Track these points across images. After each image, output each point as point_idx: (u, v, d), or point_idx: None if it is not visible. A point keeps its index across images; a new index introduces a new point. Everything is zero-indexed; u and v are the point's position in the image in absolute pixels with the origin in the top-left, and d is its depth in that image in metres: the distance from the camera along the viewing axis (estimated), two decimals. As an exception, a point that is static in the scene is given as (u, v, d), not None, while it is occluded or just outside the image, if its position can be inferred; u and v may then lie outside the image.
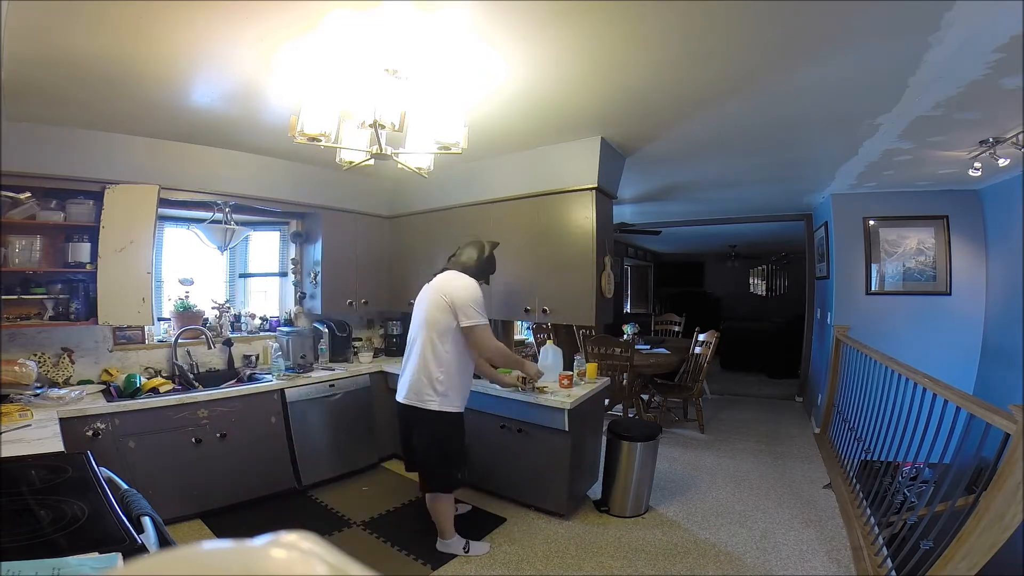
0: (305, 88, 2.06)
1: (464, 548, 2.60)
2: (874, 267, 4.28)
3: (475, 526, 2.83)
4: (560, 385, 3.00)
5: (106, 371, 2.97)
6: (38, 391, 2.52)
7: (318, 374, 3.44)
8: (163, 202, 2.94)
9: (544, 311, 3.23)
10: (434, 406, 2.43)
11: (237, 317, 3.74)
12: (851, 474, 3.26)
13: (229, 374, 3.39)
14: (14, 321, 2.61)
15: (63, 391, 2.55)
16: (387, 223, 4.28)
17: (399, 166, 2.05)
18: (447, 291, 2.48)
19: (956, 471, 1.95)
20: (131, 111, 2.47)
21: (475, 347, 2.50)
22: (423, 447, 2.50)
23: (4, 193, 2.27)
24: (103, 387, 2.84)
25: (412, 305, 2.73)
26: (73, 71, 2.00)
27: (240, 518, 2.89)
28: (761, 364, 7.71)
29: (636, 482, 3.02)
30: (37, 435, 1.98)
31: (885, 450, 2.67)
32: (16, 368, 2.46)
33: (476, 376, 3.18)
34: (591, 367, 3.21)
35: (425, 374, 2.44)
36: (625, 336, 5.37)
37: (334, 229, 3.83)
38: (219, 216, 3.36)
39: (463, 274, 2.56)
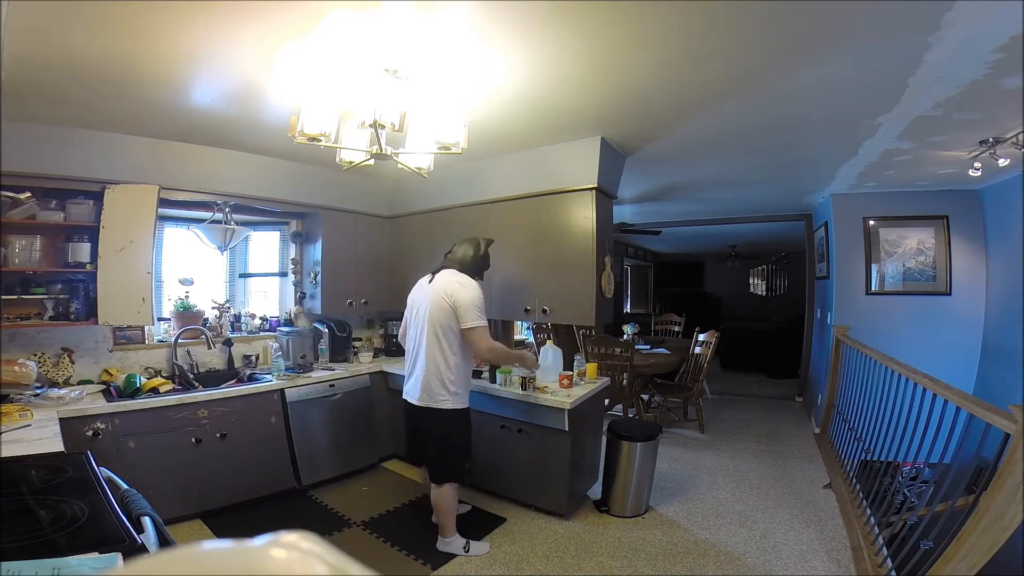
0: (305, 88, 2.06)
1: (464, 548, 2.60)
2: (874, 267, 4.28)
3: (475, 526, 2.83)
4: (560, 385, 3.00)
5: (106, 371, 2.97)
6: (38, 391, 2.52)
7: (318, 374, 3.44)
8: (163, 202, 2.94)
9: (544, 311, 3.22)
10: (447, 405, 2.50)
11: (237, 317, 3.74)
12: (851, 474, 3.26)
13: (229, 374, 3.39)
14: (14, 321, 2.61)
15: (63, 391, 2.55)
16: (387, 223, 4.28)
17: (399, 166, 2.05)
18: (449, 292, 2.50)
19: (956, 471, 1.95)
20: (131, 111, 2.47)
21: (471, 347, 2.54)
22: (435, 443, 2.55)
23: (4, 193, 2.27)
24: (103, 387, 2.84)
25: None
26: (73, 71, 2.00)
27: (240, 518, 2.89)
28: (761, 364, 7.71)
29: (636, 482, 3.02)
30: (37, 435, 1.98)
31: (885, 450, 2.67)
32: (16, 368, 2.46)
33: (477, 374, 3.20)
34: (591, 367, 3.21)
35: (436, 376, 2.49)
36: (625, 336, 5.37)
37: (334, 229, 3.83)
38: (219, 216, 3.36)
39: (462, 273, 2.59)
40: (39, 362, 2.67)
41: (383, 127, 1.66)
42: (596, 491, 3.24)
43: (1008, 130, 2.56)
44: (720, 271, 11.21)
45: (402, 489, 3.36)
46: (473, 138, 2.38)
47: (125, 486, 1.51)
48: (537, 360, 3.02)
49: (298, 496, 3.21)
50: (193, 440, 2.79)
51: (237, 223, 3.45)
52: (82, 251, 2.73)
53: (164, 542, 1.24)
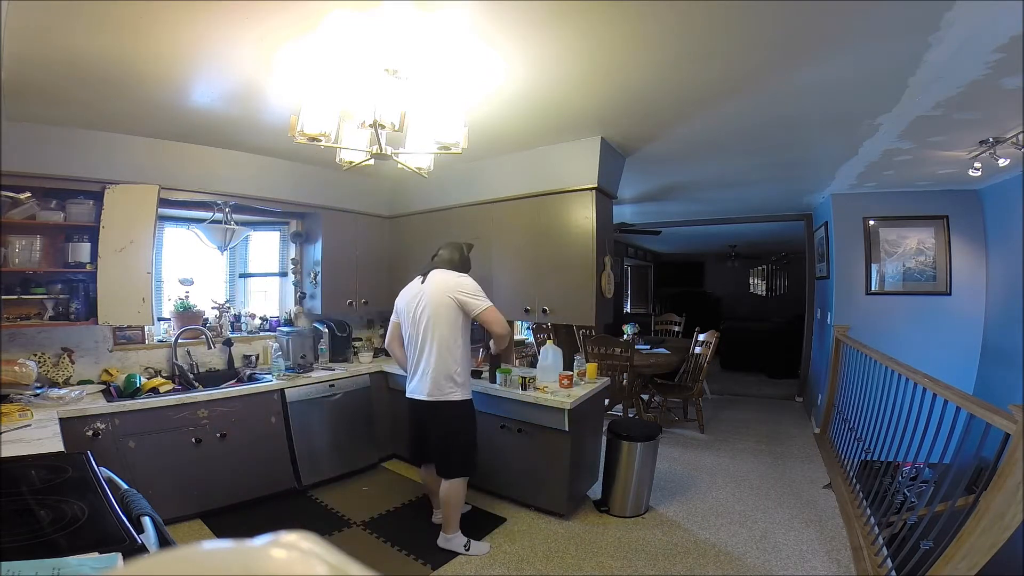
0: (305, 88, 2.06)
1: (465, 546, 2.60)
2: (874, 267, 4.28)
3: (475, 526, 2.83)
4: (560, 385, 3.00)
5: (106, 371, 2.97)
6: (38, 391, 2.52)
7: (318, 374, 3.44)
8: (163, 202, 2.94)
9: (544, 311, 3.23)
10: (455, 397, 2.57)
11: (237, 317, 3.74)
12: (851, 474, 3.26)
13: (229, 374, 3.39)
14: (14, 321, 2.61)
15: (63, 391, 2.55)
16: (387, 223, 4.28)
17: (399, 166, 2.05)
18: (450, 289, 2.55)
19: (956, 471, 1.95)
20: (131, 111, 2.47)
21: (490, 327, 2.60)
22: (443, 437, 2.59)
23: (4, 193, 2.27)
24: (103, 387, 2.84)
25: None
26: (73, 71, 2.00)
27: (240, 518, 2.89)
28: (761, 364, 7.71)
29: (636, 482, 3.02)
30: (37, 435, 1.98)
31: (885, 450, 2.67)
32: (16, 368, 2.46)
33: (476, 374, 3.20)
34: (591, 367, 3.21)
35: (443, 372, 2.55)
36: (625, 336, 5.37)
37: (334, 229, 3.83)
38: (219, 216, 3.36)
39: (453, 271, 2.65)
40: (39, 362, 2.67)
41: (383, 127, 1.66)
42: (596, 491, 3.24)
43: (1008, 130, 2.56)
44: (720, 271, 11.21)
45: (402, 489, 3.36)
46: (473, 138, 2.38)
47: (125, 486, 1.51)
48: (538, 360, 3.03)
49: (298, 496, 3.21)
50: (193, 440, 2.79)
51: (237, 223, 3.45)
52: (82, 251, 2.73)
53: (164, 542, 1.24)
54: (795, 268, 9.02)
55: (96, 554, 1.04)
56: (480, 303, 2.56)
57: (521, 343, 5.48)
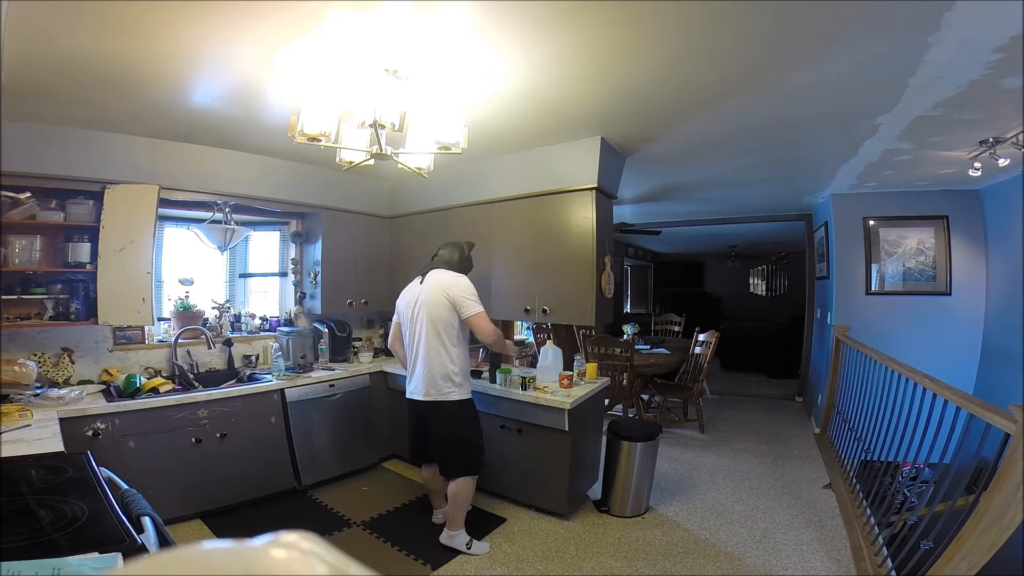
0: (305, 88, 2.06)
1: (467, 545, 2.61)
2: (874, 267, 4.28)
3: (475, 526, 2.83)
4: (560, 385, 3.00)
5: (106, 371, 2.97)
6: (38, 391, 2.52)
7: (318, 374, 3.44)
8: (163, 202, 2.93)
9: (544, 311, 3.23)
10: (454, 397, 2.57)
11: (237, 317, 3.74)
12: (851, 474, 3.26)
13: (229, 374, 3.39)
14: (14, 321, 2.61)
15: (63, 391, 2.55)
16: (387, 223, 4.28)
17: (399, 166, 2.05)
18: (445, 288, 2.56)
19: (956, 471, 1.95)
20: (131, 111, 2.47)
21: (477, 332, 2.59)
22: (444, 437, 2.60)
23: (4, 193, 2.27)
24: (103, 387, 2.84)
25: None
26: (73, 71, 2.00)
27: (240, 518, 2.89)
28: (761, 364, 7.71)
29: (636, 482, 3.02)
30: (37, 435, 1.98)
31: (885, 450, 2.67)
32: (16, 368, 2.46)
33: (476, 374, 3.20)
34: (591, 367, 3.21)
35: (441, 372, 2.55)
36: (625, 336, 5.37)
37: (334, 229, 3.83)
38: (219, 216, 3.36)
39: (451, 271, 2.65)
40: (39, 362, 2.67)
41: (383, 127, 1.66)
42: (596, 491, 3.24)
43: (1008, 130, 2.56)
44: (720, 271, 11.21)
45: (402, 489, 3.36)
46: (473, 138, 2.38)
47: (125, 486, 1.51)
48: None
49: (298, 496, 3.21)
50: (193, 440, 2.79)
51: (237, 223, 3.45)
52: (82, 251, 2.73)
53: (164, 542, 1.24)
54: (795, 268, 9.02)
55: (96, 554, 1.04)
56: (470, 306, 2.55)
57: (521, 343, 5.48)
